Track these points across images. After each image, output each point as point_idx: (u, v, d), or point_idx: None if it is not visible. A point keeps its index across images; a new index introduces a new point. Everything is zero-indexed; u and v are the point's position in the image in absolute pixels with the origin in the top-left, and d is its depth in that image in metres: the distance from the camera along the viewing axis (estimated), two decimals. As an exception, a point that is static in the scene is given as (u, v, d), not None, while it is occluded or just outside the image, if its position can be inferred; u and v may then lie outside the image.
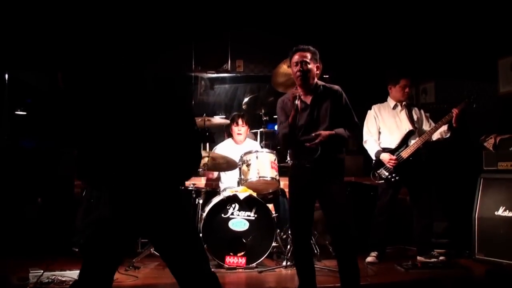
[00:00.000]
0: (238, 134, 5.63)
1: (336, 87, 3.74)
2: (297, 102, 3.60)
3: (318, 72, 3.75)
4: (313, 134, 3.58)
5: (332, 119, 3.64)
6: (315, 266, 3.80)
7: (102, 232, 2.49)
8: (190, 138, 2.63)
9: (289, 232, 4.83)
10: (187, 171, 2.68)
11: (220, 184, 5.64)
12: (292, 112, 3.63)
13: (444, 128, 5.01)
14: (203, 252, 2.69)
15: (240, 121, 5.60)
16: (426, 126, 5.21)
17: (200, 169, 5.01)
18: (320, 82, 3.77)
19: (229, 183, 5.46)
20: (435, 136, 5.09)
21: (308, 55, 3.67)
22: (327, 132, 3.59)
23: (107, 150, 2.48)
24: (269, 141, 5.71)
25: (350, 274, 3.58)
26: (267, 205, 4.97)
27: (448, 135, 5.04)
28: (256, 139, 5.84)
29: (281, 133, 3.77)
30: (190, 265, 2.55)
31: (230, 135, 5.83)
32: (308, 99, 3.71)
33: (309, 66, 3.66)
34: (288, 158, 4.99)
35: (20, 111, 6.35)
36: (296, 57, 3.69)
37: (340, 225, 3.59)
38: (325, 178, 3.62)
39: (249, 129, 5.75)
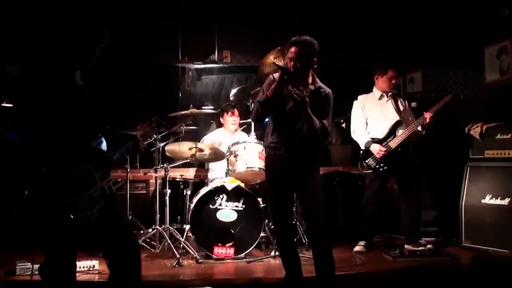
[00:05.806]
0: (232, 124, 5.67)
1: (329, 90, 3.63)
2: (281, 69, 3.37)
3: (315, 66, 3.54)
4: (301, 88, 3.39)
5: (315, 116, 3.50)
6: (303, 256, 3.81)
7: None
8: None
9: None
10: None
11: (208, 175, 5.64)
12: (273, 86, 3.42)
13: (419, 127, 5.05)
14: (124, 229, 2.91)
15: (236, 112, 5.68)
16: (411, 117, 5.22)
17: (192, 160, 5.01)
18: (317, 80, 3.64)
19: (217, 173, 5.46)
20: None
21: (303, 49, 3.46)
22: (307, 106, 3.40)
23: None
24: (258, 132, 5.71)
25: (324, 264, 3.57)
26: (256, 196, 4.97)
27: (423, 133, 5.09)
28: (244, 130, 5.85)
29: (256, 101, 3.58)
30: (113, 243, 2.79)
31: (220, 124, 5.84)
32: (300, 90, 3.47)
33: (302, 62, 3.45)
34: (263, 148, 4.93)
35: (6, 103, 6.27)
36: (291, 51, 3.49)
37: (314, 216, 3.58)
38: (301, 168, 3.57)
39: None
